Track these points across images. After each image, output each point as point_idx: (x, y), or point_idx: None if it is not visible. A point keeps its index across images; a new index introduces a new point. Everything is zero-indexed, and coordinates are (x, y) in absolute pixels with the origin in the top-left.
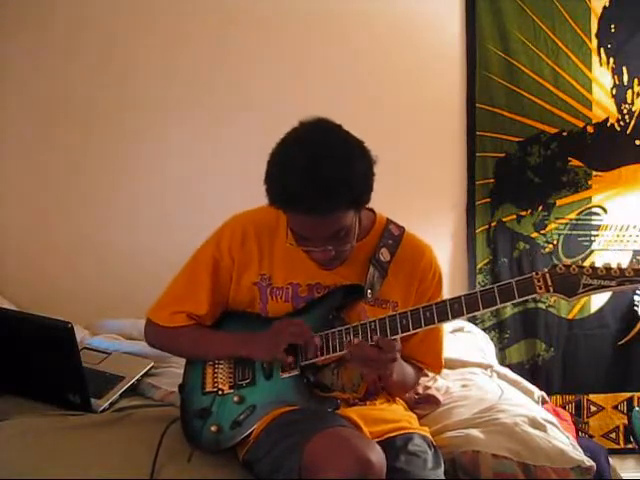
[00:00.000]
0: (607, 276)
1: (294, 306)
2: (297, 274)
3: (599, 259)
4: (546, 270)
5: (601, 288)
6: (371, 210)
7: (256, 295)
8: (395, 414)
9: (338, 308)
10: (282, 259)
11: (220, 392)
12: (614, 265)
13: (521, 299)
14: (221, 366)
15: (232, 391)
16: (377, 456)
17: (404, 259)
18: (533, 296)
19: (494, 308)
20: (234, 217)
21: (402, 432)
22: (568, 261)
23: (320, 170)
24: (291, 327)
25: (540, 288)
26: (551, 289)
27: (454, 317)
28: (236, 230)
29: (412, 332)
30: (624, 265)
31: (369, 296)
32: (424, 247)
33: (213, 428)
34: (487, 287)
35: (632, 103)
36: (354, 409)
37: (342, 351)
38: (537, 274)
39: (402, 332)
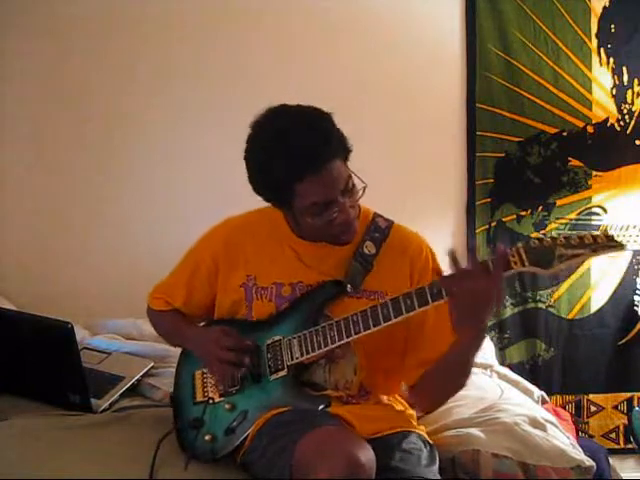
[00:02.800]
0: (580, 244)
1: (277, 306)
2: (281, 274)
3: (598, 259)
4: (520, 245)
5: (575, 257)
6: None
7: (242, 297)
8: (389, 412)
9: (321, 304)
10: (267, 260)
11: (211, 401)
12: (587, 234)
13: None
14: (210, 375)
15: (223, 399)
16: (366, 455)
17: (392, 249)
18: (510, 272)
19: None
20: (221, 223)
21: (397, 430)
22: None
23: (314, 130)
24: (220, 345)
25: (515, 264)
26: (526, 263)
27: (434, 301)
28: (221, 236)
29: (394, 321)
30: (597, 233)
31: (350, 290)
32: (412, 235)
33: (207, 437)
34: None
35: (632, 103)
36: (347, 408)
37: (327, 347)
38: (511, 250)
39: (384, 322)
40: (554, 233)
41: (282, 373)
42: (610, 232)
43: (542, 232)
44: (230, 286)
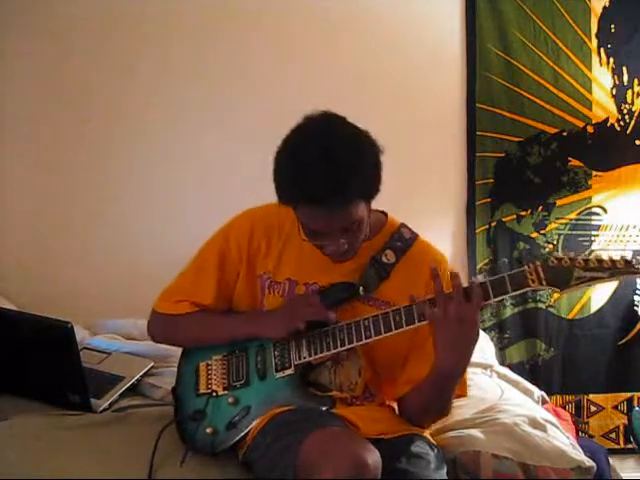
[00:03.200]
0: (599, 268)
1: None
2: (297, 271)
3: None
4: (538, 263)
5: (593, 280)
6: (383, 213)
7: (258, 288)
8: (394, 414)
9: (331, 305)
10: (285, 255)
11: (214, 393)
12: (605, 257)
13: (514, 293)
14: (214, 367)
15: (226, 392)
16: (372, 456)
17: (411, 260)
18: (526, 289)
19: (487, 303)
20: (243, 213)
21: (402, 433)
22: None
23: (331, 162)
24: (308, 303)
25: (533, 281)
26: (544, 282)
27: None
28: (244, 225)
29: (405, 329)
30: (616, 257)
31: (362, 293)
32: (434, 250)
33: (208, 430)
34: (480, 281)
35: (632, 103)
36: (351, 409)
37: (335, 350)
38: (529, 267)
39: (396, 329)
40: (554, 233)
41: (289, 371)
42: (629, 257)
43: (542, 232)
44: (250, 277)
